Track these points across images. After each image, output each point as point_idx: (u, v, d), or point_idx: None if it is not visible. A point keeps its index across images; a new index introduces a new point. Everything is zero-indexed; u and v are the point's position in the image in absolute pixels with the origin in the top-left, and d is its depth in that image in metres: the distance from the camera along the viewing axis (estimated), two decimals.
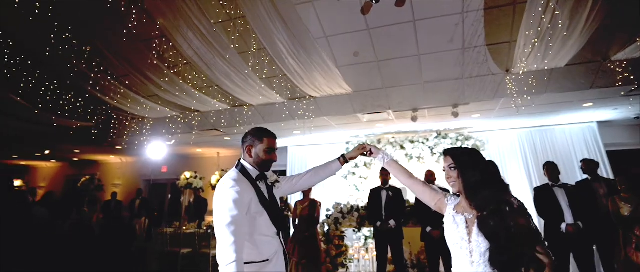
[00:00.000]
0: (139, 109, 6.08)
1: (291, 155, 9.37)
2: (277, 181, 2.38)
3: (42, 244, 6.80)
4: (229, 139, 8.52)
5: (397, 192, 5.26)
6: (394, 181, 7.96)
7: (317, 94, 5.82)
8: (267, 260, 1.96)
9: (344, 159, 2.51)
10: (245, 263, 1.84)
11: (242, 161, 2.22)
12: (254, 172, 2.16)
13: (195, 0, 3.97)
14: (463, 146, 7.33)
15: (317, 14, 4.53)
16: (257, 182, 2.10)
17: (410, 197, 6.19)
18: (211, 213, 9.48)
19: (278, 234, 2.08)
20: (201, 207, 9.25)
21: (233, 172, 2.11)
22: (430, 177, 5.18)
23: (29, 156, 11.55)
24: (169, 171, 11.71)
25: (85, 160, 12.10)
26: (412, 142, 7.80)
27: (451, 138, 7.60)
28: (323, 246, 5.93)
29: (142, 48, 4.60)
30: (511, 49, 4.66)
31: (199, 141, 8.85)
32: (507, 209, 1.61)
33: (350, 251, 6.09)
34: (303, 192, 5.76)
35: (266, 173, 2.25)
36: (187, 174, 8.96)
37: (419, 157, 7.84)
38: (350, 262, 5.92)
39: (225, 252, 1.75)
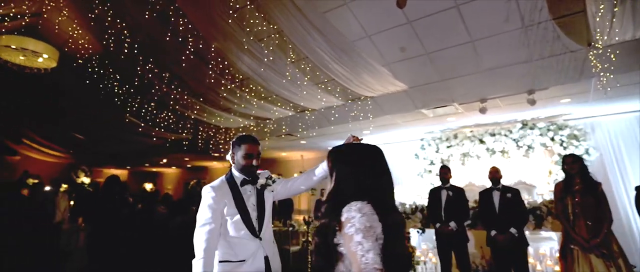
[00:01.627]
0: (217, 120, 6.91)
1: None
2: (268, 185, 2.44)
3: (161, 240, 8.18)
4: (304, 142, 8.95)
5: (459, 191, 4.87)
6: (455, 180, 7.41)
7: (372, 94, 5.76)
8: (243, 260, 2.11)
9: None
10: (220, 261, 2.04)
11: (232, 168, 2.39)
12: (239, 178, 2.28)
13: (237, 21, 4.39)
14: (557, 138, 6.39)
15: (354, 15, 4.52)
16: (241, 187, 2.26)
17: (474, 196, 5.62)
18: (298, 212, 10.08)
19: (257, 236, 2.20)
20: (287, 206, 9.91)
21: (217, 180, 2.32)
22: (494, 175, 4.64)
23: (157, 164, 14.00)
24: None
25: (196, 166, 14.09)
26: (492, 135, 7.06)
27: (540, 128, 6.64)
28: None
29: (205, 68, 5.26)
30: (587, 18, 3.93)
31: (276, 146, 9.49)
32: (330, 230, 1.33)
33: (417, 253, 5.84)
34: None
35: (265, 177, 2.39)
36: (273, 176, 9.70)
37: (503, 152, 7.05)
38: (416, 264, 5.69)
39: (196, 249, 1.98)
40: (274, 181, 2.43)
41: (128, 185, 11.20)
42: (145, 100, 6.50)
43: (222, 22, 4.41)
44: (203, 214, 2.07)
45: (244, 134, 2.41)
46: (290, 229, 8.01)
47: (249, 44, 4.71)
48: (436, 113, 6.35)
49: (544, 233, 5.41)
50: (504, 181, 6.70)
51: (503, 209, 4.40)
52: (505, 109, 6.14)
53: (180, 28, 4.74)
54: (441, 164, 5.21)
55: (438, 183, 6.64)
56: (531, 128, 6.70)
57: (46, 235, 7.03)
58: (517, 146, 6.87)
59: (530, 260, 5.15)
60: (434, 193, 4.99)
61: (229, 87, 5.56)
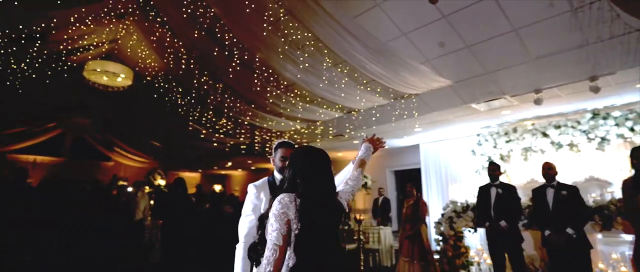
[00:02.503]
0: (269, 124, 7.32)
1: (423, 152, 9.12)
2: None
3: (227, 237, 8.91)
4: (357, 142, 9.02)
5: (509, 189, 4.58)
6: (517, 177, 6.86)
7: (415, 91, 5.67)
8: None
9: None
10: None
11: (274, 171, 2.65)
12: (278, 179, 2.43)
13: (275, 32, 4.66)
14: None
15: (387, 15, 4.54)
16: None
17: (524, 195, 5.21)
18: (361, 211, 10.17)
19: None
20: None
21: (261, 180, 2.57)
22: (548, 171, 4.28)
23: (224, 167, 15.12)
24: None
25: (259, 168, 14.92)
26: (557, 127, 6.46)
27: (616, 118, 5.92)
28: (440, 246, 5.71)
29: (252, 77, 5.64)
30: None
31: (331, 147, 9.67)
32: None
33: (471, 253, 5.60)
34: (408, 190, 5.72)
35: None
36: None
37: (571, 145, 6.41)
38: (470, 265, 5.47)
39: (239, 235, 2.21)
40: None
41: (202, 186, 12.32)
42: (204, 109, 7.14)
43: (261, 33, 4.72)
44: (246, 207, 2.32)
45: (283, 139, 2.65)
46: (346, 227, 8.17)
47: (289, 51, 4.96)
48: (489, 107, 6.02)
49: (624, 236, 4.84)
50: (574, 177, 6.22)
51: (557, 208, 4.07)
52: (568, 99, 5.61)
53: (227, 42, 5.17)
54: (489, 161, 4.94)
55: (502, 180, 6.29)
56: (604, 118, 6.01)
57: (130, 230, 8.09)
58: (588, 138, 6.20)
59: (600, 265, 4.67)
60: (483, 191, 4.77)
61: (275, 93, 5.89)
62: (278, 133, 8.39)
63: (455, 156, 8.35)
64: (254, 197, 2.35)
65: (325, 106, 6.39)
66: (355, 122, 6.86)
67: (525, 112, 6.43)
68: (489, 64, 4.85)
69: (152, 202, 8.90)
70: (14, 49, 4.97)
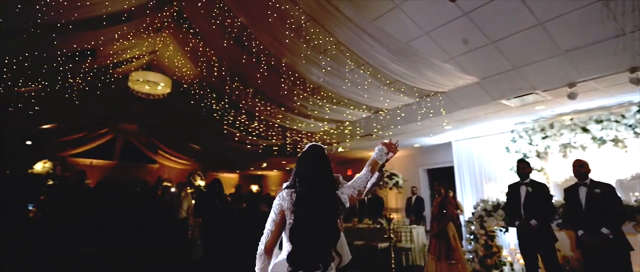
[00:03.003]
0: (299, 126, 7.52)
1: (456, 150, 8.92)
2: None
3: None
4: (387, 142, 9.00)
5: (540, 187, 4.43)
6: (556, 174, 6.54)
7: (441, 89, 5.61)
8: None
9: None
10: None
11: None
12: None
13: (298, 37, 4.83)
14: None
15: (407, 16, 4.56)
16: None
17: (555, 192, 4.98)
18: (395, 210, 10.16)
19: None
20: (377, 205, 10.10)
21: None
22: (579, 169, 4.09)
23: (259, 168, 15.61)
24: (353, 172, 13.23)
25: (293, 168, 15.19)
26: (599, 121, 6.10)
27: None
28: (472, 245, 5.62)
29: (280, 81, 5.85)
30: None
31: (362, 146, 9.72)
32: None
33: (504, 253, 5.46)
34: (436, 188, 5.68)
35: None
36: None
37: (616, 141, 6.03)
38: (503, 265, 5.33)
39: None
40: (339, 184, 2.72)
41: (241, 186, 12.83)
42: (237, 113, 7.49)
43: (285, 40, 4.91)
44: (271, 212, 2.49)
45: (314, 142, 2.80)
46: (378, 226, 8.21)
47: (312, 56, 5.11)
48: (521, 102, 5.81)
49: None
50: (619, 175, 5.84)
51: (591, 207, 3.90)
52: (608, 92, 5.30)
53: (254, 49, 5.43)
54: (518, 159, 4.78)
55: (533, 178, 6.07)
56: None
57: (174, 227, 8.65)
58: (635, 132, 5.82)
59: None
60: (513, 189, 4.65)
61: (301, 96, 6.08)
62: (308, 134, 8.59)
63: (489, 153, 8.11)
64: (278, 201, 2.51)
65: (351, 107, 6.48)
66: (383, 121, 6.89)
67: (563, 107, 6.13)
68: (515, 59, 4.72)
69: (193, 201, 9.44)
70: (70, 65, 5.54)
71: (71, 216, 6.92)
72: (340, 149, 9.44)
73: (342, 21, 4.40)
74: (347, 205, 1.95)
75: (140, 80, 7.15)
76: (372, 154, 2.34)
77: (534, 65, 4.76)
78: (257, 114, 7.10)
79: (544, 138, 6.75)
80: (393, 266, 6.78)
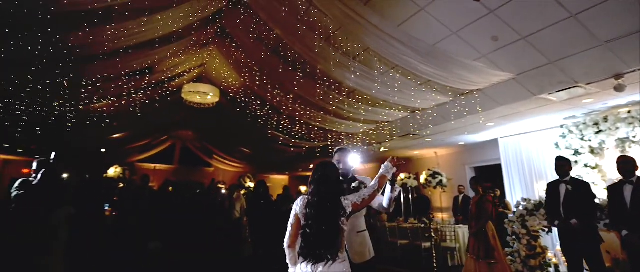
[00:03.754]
0: (339, 128, 7.78)
1: (503, 146, 8.59)
2: (359, 188, 2.97)
3: None
4: (429, 140, 8.94)
5: (581, 186, 4.23)
6: (613, 172, 6.10)
7: (476, 87, 5.54)
8: None
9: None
10: None
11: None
12: None
13: (330, 45, 5.08)
14: None
15: (434, 17, 4.64)
16: None
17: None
18: (442, 210, 10.04)
19: None
20: (423, 204, 10.05)
21: None
22: (624, 166, 3.85)
23: (307, 169, 16.11)
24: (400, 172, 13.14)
25: None
26: None
27: None
28: (514, 244, 5.49)
29: (316, 86, 6.15)
30: None
31: (405, 146, 9.72)
32: None
33: (549, 255, 5.25)
34: (473, 187, 5.62)
35: (358, 180, 2.86)
36: (402, 175, 10.01)
37: None
38: (548, 267, 5.13)
39: None
40: (364, 186, 2.86)
41: (289, 188, 13.40)
42: (280, 117, 7.93)
43: (316, 48, 5.19)
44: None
45: (341, 146, 3.11)
46: (422, 225, 8.19)
47: (344, 62, 5.34)
48: (566, 96, 5.54)
49: None
50: None
51: (636, 206, 3.69)
52: None
53: (289, 59, 5.79)
54: (557, 156, 4.59)
55: (586, 176, 5.81)
56: None
57: (229, 227, 9.33)
58: None
59: None
60: (552, 187, 4.51)
61: (337, 99, 6.32)
62: (350, 135, 8.81)
63: (538, 150, 7.73)
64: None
65: (387, 108, 6.60)
66: (420, 121, 6.91)
67: (617, 99, 5.73)
68: (551, 53, 4.57)
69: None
70: (132, 83, 6.32)
71: (139, 215, 7.83)
72: (382, 149, 9.53)
73: (369, 28, 4.58)
74: (349, 210, 2.24)
75: (192, 91, 7.85)
76: (380, 169, 2.62)
77: (572, 58, 4.56)
78: (297, 118, 7.47)
79: (597, 133, 6.33)
80: (435, 265, 6.78)
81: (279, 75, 6.45)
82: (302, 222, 2.20)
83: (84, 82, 5.45)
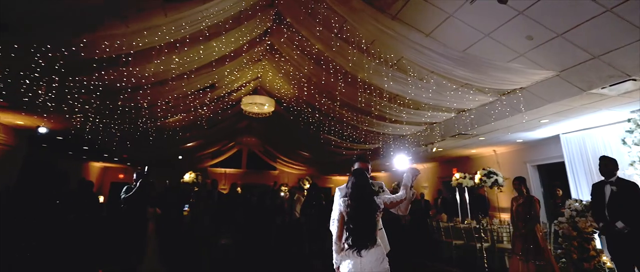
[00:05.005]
0: (387, 130, 8.02)
1: (565, 143, 8.05)
2: (378, 192, 3.35)
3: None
4: (483, 138, 8.72)
5: (627, 186, 4.02)
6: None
7: (516, 86, 5.45)
8: None
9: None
10: None
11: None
12: None
13: (367, 56, 5.42)
14: None
15: (463, 22, 4.75)
16: None
17: None
18: (504, 210, 9.75)
19: None
20: (481, 204, 9.81)
21: (343, 184, 3.43)
22: None
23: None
24: (458, 171, 12.77)
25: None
26: None
27: None
28: (565, 246, 5.30)
29: (356, 92, 6.50)
30: None
31: (461, 145, 9.56)
32: None
33: (603, 258, 4.97)
34: (516, 188, 5.51)
35: (378, 186, 3.25)
36: (457, 175, 9.84)
37: None
38: (601, 271, 4.88)
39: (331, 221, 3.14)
40: (383, 191, 3.33)
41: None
42: (330, 122, 8.41)
43: (355, 58, 5.56)
44: (335, 202, 3.21)
45: (359, 154, 3.53)
46: (478, 226, 8.08)
47: (380, 69, 5.64)
48: (624, 89, 5.19)
49: None
50: None
51: None
52: None
53: (331, 70, 6.24)
54: (601, 156, 4.37)
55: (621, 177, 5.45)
56: None
57: (291, 226, 10.07)
58: None
59: None
60: (597, 188, 4.35)
61: (379, 104, 6.61)
62: (400, 136, 8.97)
63: (605, 145, 7.15)
64: (339, 196, 3.22)
65: (430, 110, 6.71)
66: (465, 121, 6.89)
67: None
68: (593, 48, 4.39)
69: None
70: (197, 100, 7.29)
71: (211, 215, 8.91)
72: (434, 149, 9.51)
73: (400, 39, 4.83)
74: (382, 207, 2.79)
75: (250, 102, 8.69)
76: (403, 179, 3.08)
77: (618, 52, 4.34)
78: (345, 122, 7.88)
79: None
80: (486, 266, 6.70)
81: (324, 85, 6.92)
82: (346, 219, 2.71)
83: (159, 102, 6.48)
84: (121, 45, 4.22)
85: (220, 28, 5.12)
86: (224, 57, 5.95)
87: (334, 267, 2.85)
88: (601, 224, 4.14)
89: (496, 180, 8.85)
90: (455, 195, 10.22)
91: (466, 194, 10.16)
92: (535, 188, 9.67)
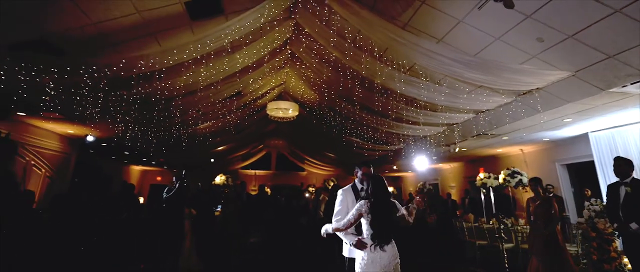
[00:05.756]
0: (406, 131, 8.17)
1: (594, 141, 7.83)
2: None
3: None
4: (506, 138, 8.64)
5: None
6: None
7: (533, 87, 5.46)
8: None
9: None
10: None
11: (355, 180, 3.74)
12: (359, 187, 3.55)
13: (383, 63, 5.64)
14: None
15: (473, 27, 4.87)
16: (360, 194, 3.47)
17: None
18: (524, 209, 9.59)
19: None
20: (504, 203, 9.68)
21: (347, 186, 3.70)
22: None
23: (392, 170, 16.49)
24: (485, 170, 12.58)
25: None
26: None
27: None
28: (585, 247, 5.26)
29: (373, 97, 6.72)
30: None
31: (486, 144, 9.49)
32: None
33: (624, 260, 4.89)
34: (532, 188, 5.52)
35: None
36: (481, 175, 9.76)
37: None
38: None
39: (333, 218, 3.39)
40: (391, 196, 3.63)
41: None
42: (352, 125, 8.67)
43: (370, 65, 5.80)
44: (337, 203, 3.47)
45: (364, 160, 3.83)
46: (501, 226, 8.03)
47: (394, 75, 5.84)
48: None
49: None
50: None
51: None
52: None
53: (348, 77, 6.50)
54: (615, 156, 4.32)
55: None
56: None
57: (315, 225, 10.37)
58: None
59: None
60: (612, 189, 4.33)
61: (396, 108, 6.79)
62: (421, 137, 9.06)
63: (637, 144, 6.94)
64: (342, 198, 3.50)
65: (447, 111, 6.80)
66: (483, 122, 6.92)
67: None
68: (606, 48, 4.38)
69: None
70: (225, 108, 7.80)
71: (240, 214, 9.42)
72: (456, 149, 9.50)
73: (411, 47, 5.01)
74: (399, 207, 3.23)
75: (275, 107, 9.11)
76: (410, 205, 3.45)
77: (633, 51, 4.30)
78: (366, 124, 8.12)
79: None
80: (506, 266, 6.70)
81: (343, 90, 7.19)
82: (368, 218, 3.03)
83: (190, 111, 7.03)
84: (154, 63, 4.71)
85: (242, 42, 5.52)
86: (247, 67, 6.36)
87: (322, 234, 3.30)
88: (616, 225, 4.13)
89: (521, 180, 8.72)
90: (480, 195, 10.13)
91: (491, 194, 10.07)
92: (565, 188, 9.42)
